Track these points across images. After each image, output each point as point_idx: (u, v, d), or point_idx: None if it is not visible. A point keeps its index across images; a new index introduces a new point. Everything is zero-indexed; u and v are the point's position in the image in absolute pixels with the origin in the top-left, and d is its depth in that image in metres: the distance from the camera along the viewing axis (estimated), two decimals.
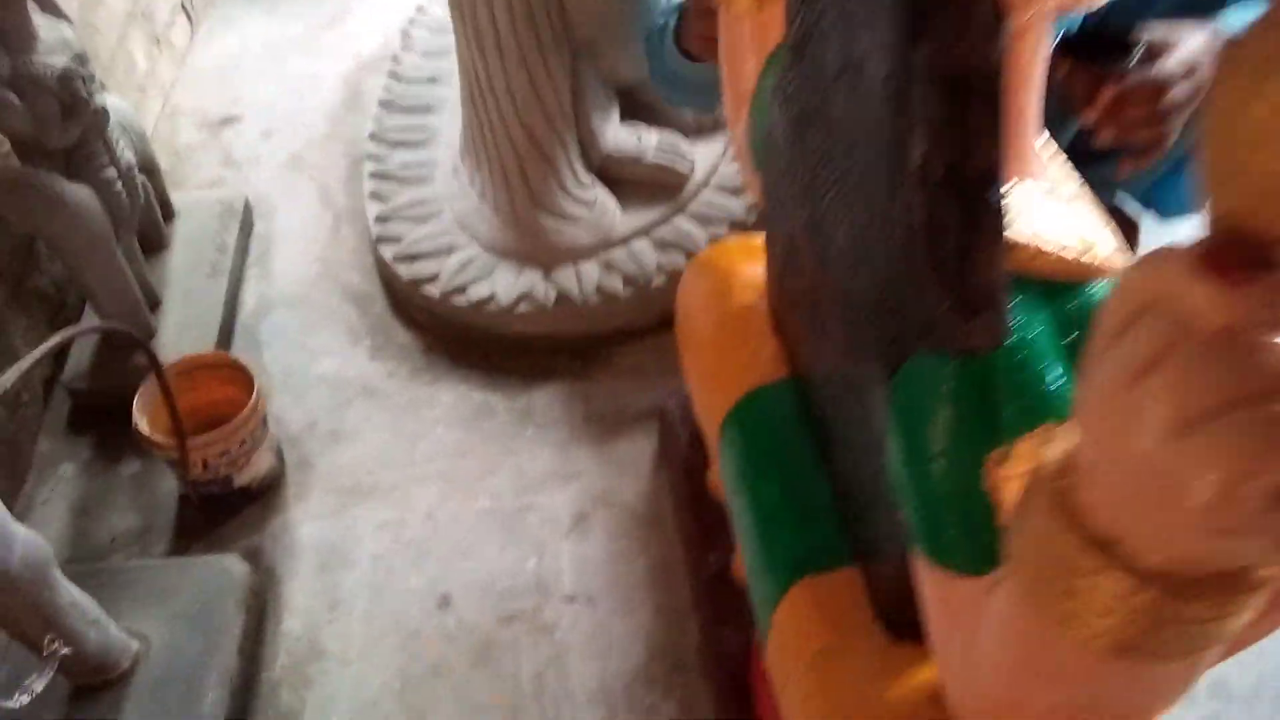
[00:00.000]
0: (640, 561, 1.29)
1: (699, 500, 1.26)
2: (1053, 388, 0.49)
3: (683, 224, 1.54)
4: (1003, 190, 0.44)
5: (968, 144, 0.45)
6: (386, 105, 1.77)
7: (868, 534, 0.68)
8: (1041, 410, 0.49)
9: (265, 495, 1.36)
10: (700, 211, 1.56)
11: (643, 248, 1.52)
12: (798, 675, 0.69)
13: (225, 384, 1.35)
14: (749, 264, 0.94)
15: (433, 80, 1.81)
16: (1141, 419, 0.31)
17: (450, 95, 1.78)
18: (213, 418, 1.32)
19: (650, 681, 1.19)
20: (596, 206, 1.54)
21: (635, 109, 1.65)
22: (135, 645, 1.12)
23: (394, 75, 1.83)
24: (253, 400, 1.27)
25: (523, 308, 1.47)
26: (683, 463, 1.30)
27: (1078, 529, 0.37)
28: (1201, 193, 0.31)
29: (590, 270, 1.50)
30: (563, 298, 1.47)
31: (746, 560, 0.81)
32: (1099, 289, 0.52)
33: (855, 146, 0.56)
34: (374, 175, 1.66)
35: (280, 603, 1.26)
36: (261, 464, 1.34)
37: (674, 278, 1.49)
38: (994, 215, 0.45)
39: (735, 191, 1.58)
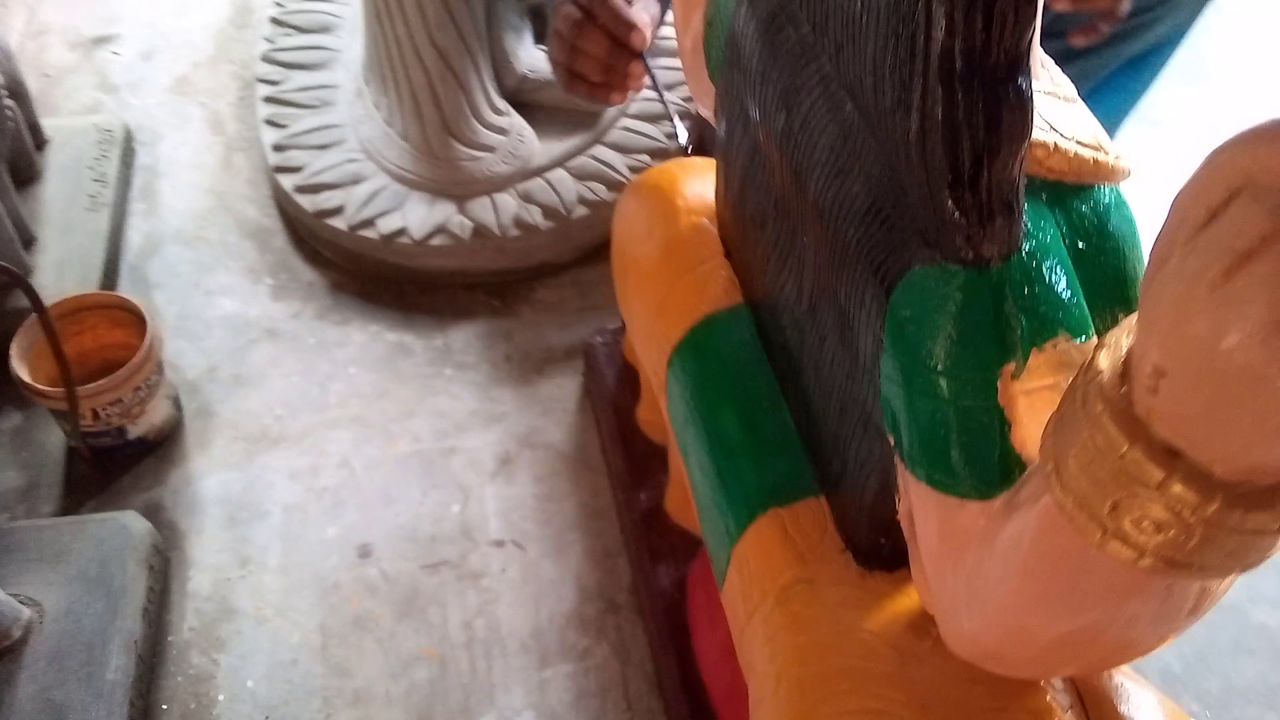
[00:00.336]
0: (569, 503, 1.24)
1: (628, 438, 1.22)
2: (1066, 298, 0.46)
3: (602, 153, 1.48)
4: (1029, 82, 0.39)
5: (993, 28, 0.40)
6: (280, 24, 1.65)
7: (835, 464, 0.65)
8: (1055, 322, 0.46)
9: (163, 446, 1.27)
10: (619, 140, 1.49)
11: (561, 178, 1.45)
12: (765, 610, 0.65)
13: (115, 327, 1.24)
14: (693, 186, 0.88)
15: None
16: (1232, 318, 0.27)
17: (349, 13, 1.66)
18: (103, 364, 1.22)
19: (583, 624, 1.15)
20: (512, 134, 1.46)
21: (546, 29, 1.57)
22: (27, 613, 1.03)
23: None
24: (147, 343, 1.17)
25: (437, 241, 1.39)
26: (610, 400, 1.26)
27: (1143, 439, 0.33)
28: None
29: (507, 202, 1.42)
30: (479, 231, 1.40)
31: (700, 496, 0.77)
32: (1109, 192, 0.48)
33: (848, 42, 0.51)
34: (269, 100, 1.54)
35: (186, 561, 1.18)
36: (158, 413, 1.24)
37: (595, 209, 1.43)
38: (1020, 110, 0.41)
39: (653, 119, 1.52)
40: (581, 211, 1.42)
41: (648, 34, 0.86)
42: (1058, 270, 0.46)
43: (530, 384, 1.35)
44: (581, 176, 1.45)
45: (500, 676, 1.11)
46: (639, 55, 0.85)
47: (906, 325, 0.48)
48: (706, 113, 0.83)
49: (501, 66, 1.48)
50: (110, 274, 1.40)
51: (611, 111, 1.52)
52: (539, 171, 1.46)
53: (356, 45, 1.60)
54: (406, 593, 1.17)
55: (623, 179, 1.45)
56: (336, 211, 1.42)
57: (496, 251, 1.41)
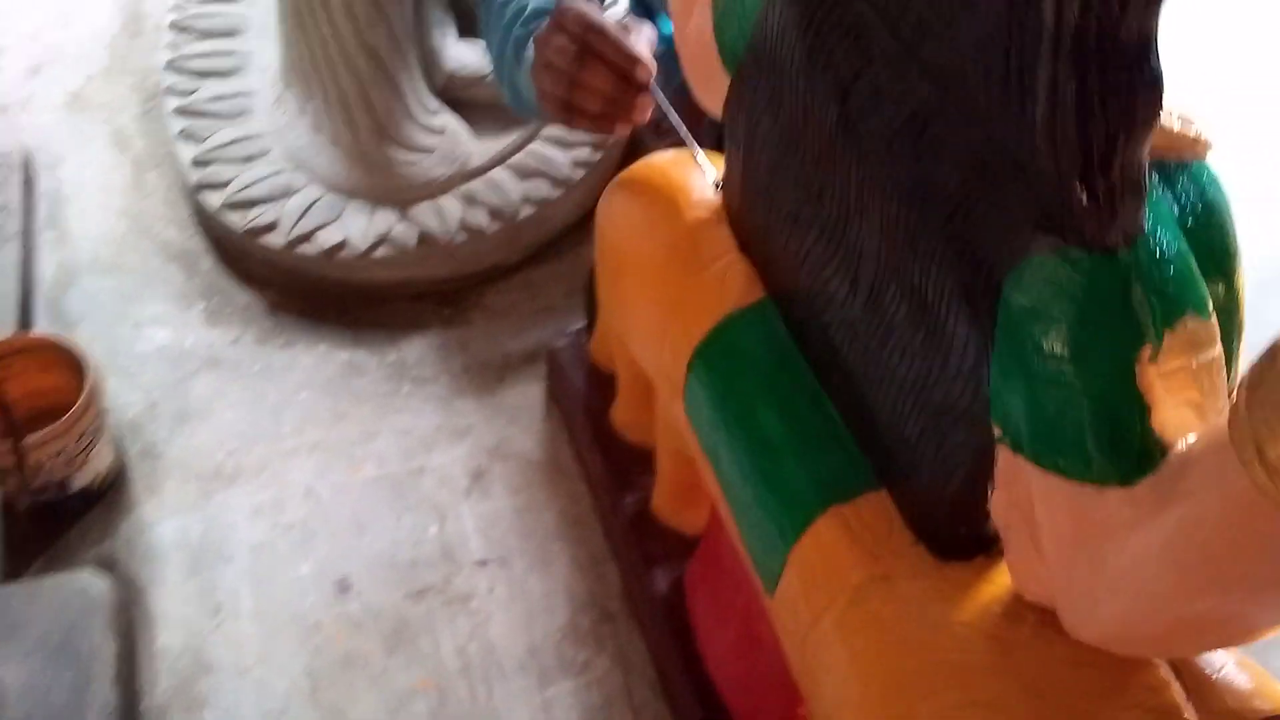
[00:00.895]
0: (548, 513, 1.21)
1: (605, 442, 1.19)
2: (1189, 277, 0.45)
3: (541, 149, 1.43)
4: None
5: (1128, 5, 0.38)
6: (182, 29, 1.54)
7: (903, 457, 0.63)
8: (1183, 302, 0.45)
9: (109, 495, 1.19)
10: (557, 134, 1.45)
11: (503, 177, 1.40)
12: (837, 611, 0.64)
13: (44, 371, 1.15)
14: (689, 181, 0.85)
15: None
16: None
17: (256, 15, 1.57)
18: (31, 413, 1.12)
19: (579, 637, 1.12)
20: (448, 134, 1.40)
21: (471, 23, 1.51)
22: None
23: None
24: (88, 386, 1.09)
25: (381, 252, 1.33)
26: (582, 404, 1.22)
27: None
28: None
29: (451, 205, 1.37)
30: (425, 238, 1.34)
31: (739, 500, 0.75)
32: (1204, 167, 0.48)
33: (938, 26, 0.49)
34: (180, 112, 1.45)
35: (150, 617, 1.10)
36: (102, 459, 1.15)
37: (542, 207, 1.39)
38: (1153, 91, 0.39)
39: None
40: (528, 211, 1.38)
41: (652, 65, 0.82)
42: (1179, 250, 0.46)
43: (493, 393, 1.30)
44: (524, 174, 1.41)
45: (502, 701, 1.07)
46: (646, 87, 0.82)
47: (1025, 315, 0.47)
48: (711, 106, 0.80)
49: (430, 64, 1.42)
50: (25, 312, 1.30)
51: None
52: (479, 172, 1.40)
53: (269, 49, 1.51)
54: (393, 624, 1.12)
55: (567, 175, 1.41)
56: (270, 228, 1.34)
57: (444, 258, 1.36)
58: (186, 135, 1.43)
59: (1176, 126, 0.48)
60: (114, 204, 1.45)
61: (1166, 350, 0.45)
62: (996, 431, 0.52)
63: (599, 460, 1.18)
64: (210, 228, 1.41)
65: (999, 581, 0.61)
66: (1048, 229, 0.45)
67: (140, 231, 1.42)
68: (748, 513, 0.74)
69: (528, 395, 1.30)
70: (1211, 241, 0.48)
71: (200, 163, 1.40)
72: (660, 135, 1.52)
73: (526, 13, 1.03)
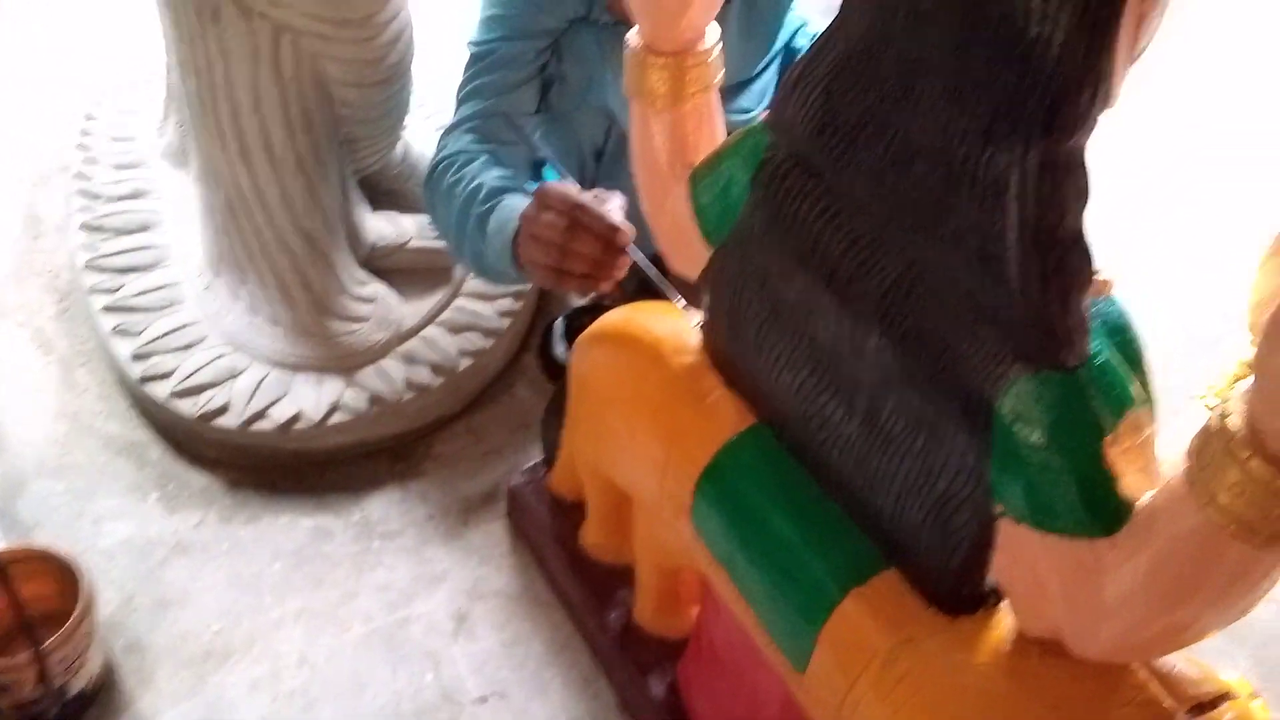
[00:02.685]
0: (535, 643, 1.30)
1: (578, 566, 1.30)
2: (1124, 379, 0.64)
3: (467, 304, 1.56)
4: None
5: (1065, 211, 0.57)
6: (94, 229, 1.59)
7: (908, 540, 0.78)
8: (1125, 399, 0.63)
9: (99, 698, 1.19)
10: (478, 288, 1.58)
11: (437, 335, 1.51)
12: (872, 674, 0.77)
13: (28, 581, 1.16)
14: (664, 329, 1.00)
15: (137, 195, 1.65)
16: None
17: (165, 208, 1.64)
18: (14, 626, 1.13)
19: None
20: (380, 301, 1.51)
21: (378, 196, 1.64)
22: None
23: (87, 194, 1.65)
24: (85, 588, 1.12)
25: (336, 418, 1.41)
26: (551, 534, 1.33)
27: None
28: None
29: (394, 366, 1.47)
30: (376, 399, 1.43)
31: (759, 597, 0.88)
32: (1114, 300, 0.67)
33: (920, 219, 0.66)
34: (110, 309, 1.49)
35: None
36: (95, 661, 1.17)
37: (478, 358, 1.51)
38: (1086, 261, 0.58)
39: None
40: (466, 362, 1.49)
41: (630, 230, 0.98)
42: (1113, 362, 0.64)
43: (459, 537, 1.39)
44: (455, 330, 1.52)
45: None
46: (626, 249, 0.97)
47: (1016, 423, 0.64)
48: (686, 271, 0.96)
49: (355, 239, 1.53)
50: None
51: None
52: (413, 332, 1.51)
53: (188, 239, 1.58)
54: None
55: (496, 325, 1.53)
56: (222, 410, 1.40)
57: (394, 416, 1.45)
58: (120, 331, 1.47)
59: (1099, 278, 0.67)
60: (49, 405, 1.47)
61: (1120, 435, 0.63)
62: (998, 509, 0.69)
63: (577, 585, 1.29)
64: (157, 417, 1.45)
65: (1002, 626, 0.76)
66: (1024, 359, 0.63)
67: (81, 430, 1.45)
68: (771, 606, 0.88)
69: (492, 534, 1.40)
70: (1128, 351, 0.66)
71: (140, 356, 1.44)
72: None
73: (483, 192, 1.18)
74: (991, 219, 0.61)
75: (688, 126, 0.88)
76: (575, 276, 0.99)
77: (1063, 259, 0.59)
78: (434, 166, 1.26)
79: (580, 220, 0.97)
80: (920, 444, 0.73)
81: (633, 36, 0.88)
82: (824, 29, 0.73)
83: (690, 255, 0.93)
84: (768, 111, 0.84)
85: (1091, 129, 0.58)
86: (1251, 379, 0.51)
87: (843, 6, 0.71)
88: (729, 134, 0.94)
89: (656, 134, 0.91)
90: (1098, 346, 0.64)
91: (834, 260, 0.77)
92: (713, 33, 0.88)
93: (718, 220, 0.88)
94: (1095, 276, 0.63)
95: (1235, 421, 0.53)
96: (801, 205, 0.79)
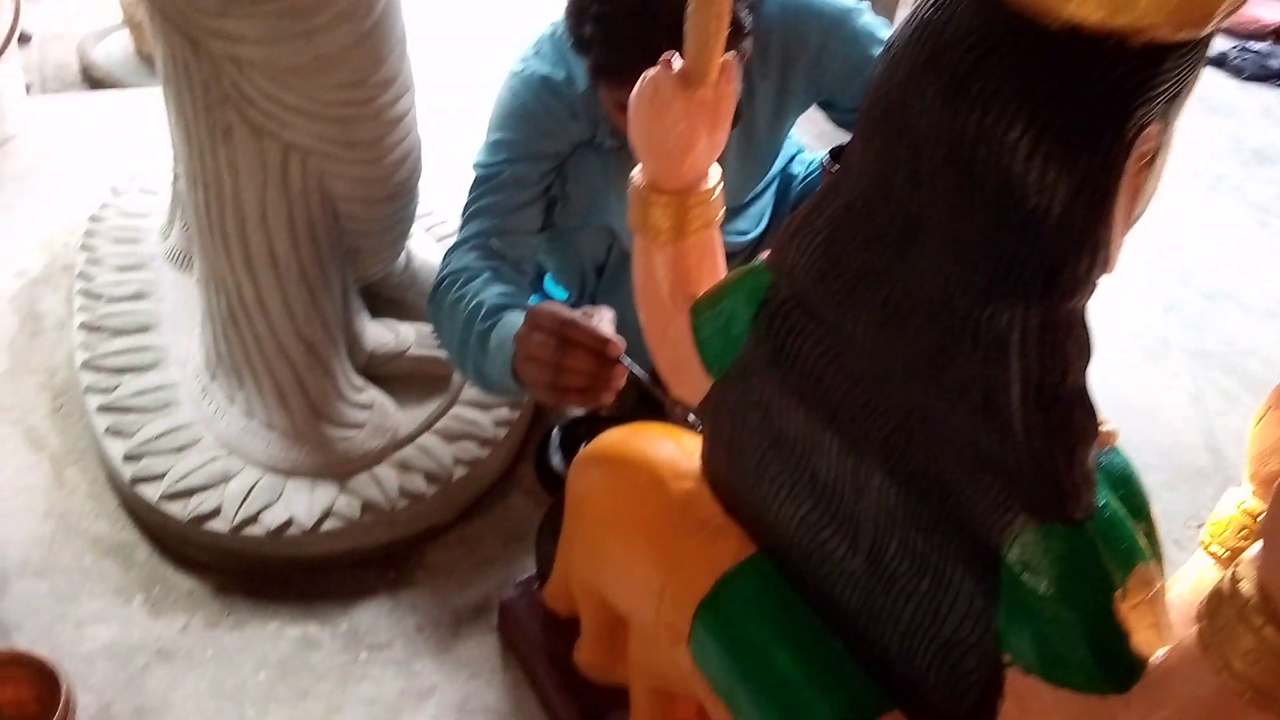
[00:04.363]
0: None
1: (571, 685, 1.28)
2: (1132, 533, 0.65)
3: (464, 412, 1.57)
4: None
5: (1068, 368, 0.59)
6: (93, 328, 1.61)
7: (914, 681, 0.78)
8: (1134, 553, 0.64)
9: None
10: (475, 397, 1.59)
11: (433, 443, 1.52)
12: None
13: (5, 684, 1.14)
14: (663, 453, 1.01)
15: (139, 296, 1.67)
16: None
17: (164, 309, 1.66)
18: None
19: None
20: (376, 408, 1.52)
21: (379, 304, 1.66)
22: None
23: (88, 294, 1.67)
24: (65, 694, 1.10)
25: (328, 525, 1.41)
26: (544, 651, 1.31)
27: None
28: None
29: (388, 474, 1.47)
30: (368, 507, 1.43)
31: None
32: (1117, 451, 0.69)
33: (913, 366, 0.68)
34: (104, 409, 1.50)
35: None
36: None
37: (473, 467, 1.51)
38: (1091, 417, 0.60)
39: None
40: (461, 472, 1.50)
41: (621, 342, 1.00)
42: (1121, 514, 0.65)
43: (449, 650, 1.37)
44: (451, 438, 1.53)
45: None
46: (619, 361, 0.99)
47: (1024, 572, 0.65)
48: (687, 397, 0.97)
49: (354, 345, 1.55)
50: None
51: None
52: (409, 440, 1.52)
53: (185, 341, 1.59)
54: None
55: (492, 434, 1.54)
56: (213, 514, 1.39)
57: (387, 525, 1.44)
58: (113, 431, 1.47)
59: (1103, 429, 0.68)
60: (36, 505, 1.46)
61: (1130, 590, 0.64)
62: (1007, 658, 0.69)
63: (568, 704, 1.27)
64: (147, 519, 1.44)
65: None
66: (1030, 512, 0.64)
67: (69, 530, 1.44)
68: None
69: (483, 647, 1.38)
70: (1133, 503, 0.68)
71: (132, 457, 1.44)
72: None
73: (484, 310, 1.21)
74: (994, 372, 0.63)
75: (690, 260, 0.91)
76: (574, 391, 1.01)
77: (1067, 415, 0.61)
78: (438, 283, 1.28)
79: (570, 336, 1.01)
80: (925, 586, 0.74)
81: (637, 175, 0.91)
82: (825, 183, 0.76)
83: (692, 384, 0.94)
84: (768, 253, 0.86)
85: (1091, 292, 0.60)
86: (1259, 544, 0.53)
87: (844, 160, 0.74)
88: (728, 258, 0.97)
89: (659, 266, 0.93)
90: (1103, 498, 0.65)
91: (836, 400, 0.78)
92: (714, 173, 0.92)
93: (719, 353, 0.90)
94: (1100, 429, 0.64)
95: (1247, 587, 0.54)
96: (803, 344, 0.81)
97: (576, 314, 1.05)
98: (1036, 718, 0.69)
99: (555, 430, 1.58)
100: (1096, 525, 0.64)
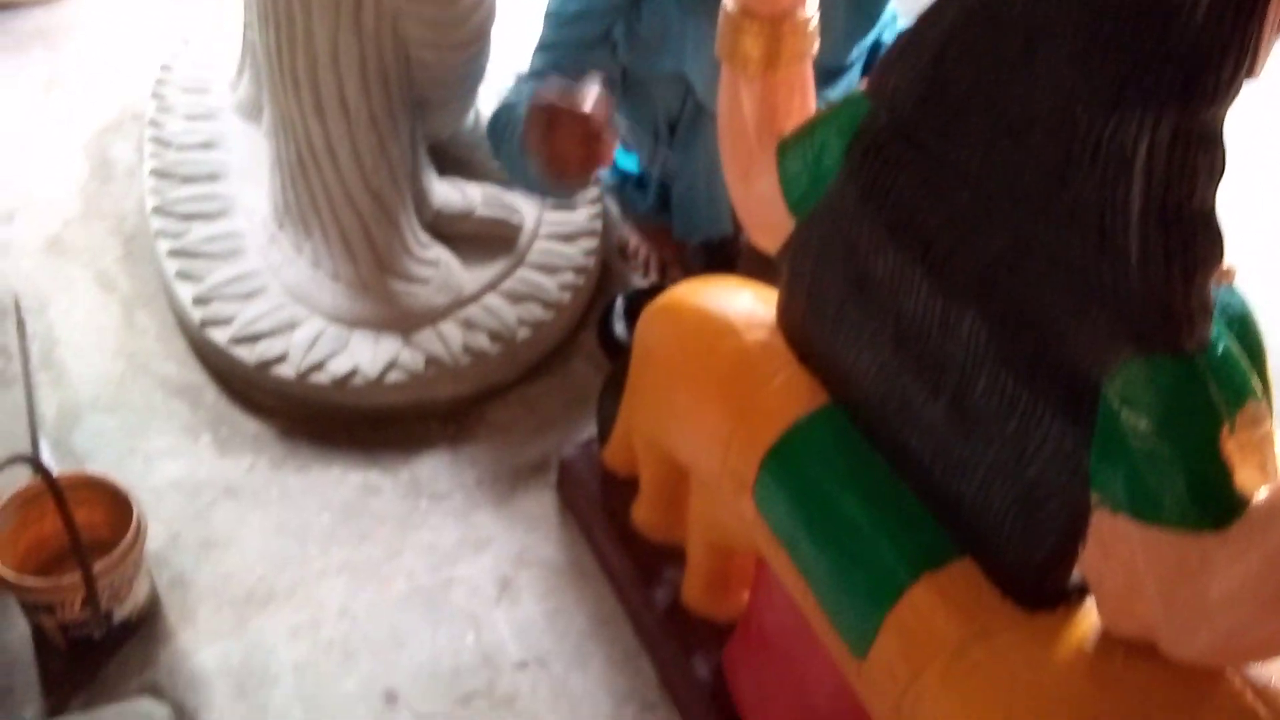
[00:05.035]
0: (578, 615, 1.28)
1: (628, 542, 1.29)
2: (1244, 369, 0.61)
3: (529, 275, 1.55)
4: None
5: (1196, 185, 0.55)
6: (162, 175, 1.60)
7: (989, 530, 0.76)
8: (1244, 389, 0.61)
9: (142, 628, 1.19)
10: (541, 261, 1.57)
11: (498, 304, 1.50)
12: (940, 665, 0.75)
13: (79, 507, 1.16)
14: (735, 304, 0.99)
15: (208, 145, 1.66)
16: None
17: (233, 160, 1.64)
18: (60, 551, 1.14)
19: None
20: (442, 266, 1.51)
21: (446, 163, 1.64)
22: None
23: (159, 141, 1.66)
24: (137, 517, 1.12)
25: (392, 377, 1.41)
26: (601, 509, 1.32)
27: None
28: None
29: (452, 331, 1.46)
30: (432, 361, 1.43)
31: (823, 580, 0.86)
32: (1236, 290, 0.65)
33: (1030, 193, 0.64)
34: (174, 254, 1.50)
35: None
36: (140, 591, 1.17)
37: (537, 329, 1.50)
38: (1215, 241, 0.55)
39: (569, 238, 1.60)
40: (525, 333, 1.49)
41: (601, 112, 1.08)
42: (1234, 351, 0.61)
43: (508, 504, 1.38)
44: (515, 299, 1.51)
45: None
46: (603, 130, 1.09)
47: (1124, 409, 0.62)
48: (766, 246, 0.94)
49: (420, 202, 1.53)
50: (34, 451, 1.30)
51: (526, 234, 1.59)
52: (473, 299, 1.50)
53: (252, 191, 1.58)
54: None
55: (556, 298, 1.52)
56: (280, 359, 1.40)
57: (451, 380, 1.44)
58: (183, 276, 1.48)
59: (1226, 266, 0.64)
60: (107, 344, 1.48)
61: (1238, 426, 0.60)
62: (1095, 499, 0.66)
63: (625, 560, 1.27)
64: (215, 362, 1.45)
65: (1085, 623, 0.74)
66: (1138, 342, 0.60)
67: (138, 369, 1.45)
68: (834, 588, 0.85)
69: (541, 504, 1.38)
70: (1249, 344, 0.64)
71: (202, 300, 1.45)
72: (629, 263, 1.67)
73: (516, 121, 1.23)
74: (1113, 192, 0.59)
75: (779, 95, 0.87)
76: (571, 163, 1.10)
77: (1190, 237, 0.57)
78: (496, 113, 1.31)
79: (556, 119, 1.08)
80: (1012, 428, 0.71)
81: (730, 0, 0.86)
82: (931, 4, 0.71)
83: (772, 227, 0.91)
84: (865, 82, 0.82)
85: (1232, 100, 0.56)
86: None
87: None
88: None
89: (746, 100, 0.89)
90: (1217, 334, 0.61)
91: (931, 234, 0.75)
92: (812, 2, 0.87)
93: (806, 191, 0.86)
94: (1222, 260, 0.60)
95: None
96: (900, 176, 0.77)
97: (558, 94, 1.11)
98: (1119, 562, 0.66)
99: (619, 298, 1.56)
100: (1208, 360, 0.60)
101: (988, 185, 0.69)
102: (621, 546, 1.28)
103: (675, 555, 1.22)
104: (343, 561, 1.29)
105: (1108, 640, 0.72)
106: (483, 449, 1.44)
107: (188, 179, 1.61)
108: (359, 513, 1.34)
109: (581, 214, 1.63)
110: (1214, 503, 0.61)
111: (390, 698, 1.18)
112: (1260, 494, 0.61)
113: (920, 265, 0.76)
